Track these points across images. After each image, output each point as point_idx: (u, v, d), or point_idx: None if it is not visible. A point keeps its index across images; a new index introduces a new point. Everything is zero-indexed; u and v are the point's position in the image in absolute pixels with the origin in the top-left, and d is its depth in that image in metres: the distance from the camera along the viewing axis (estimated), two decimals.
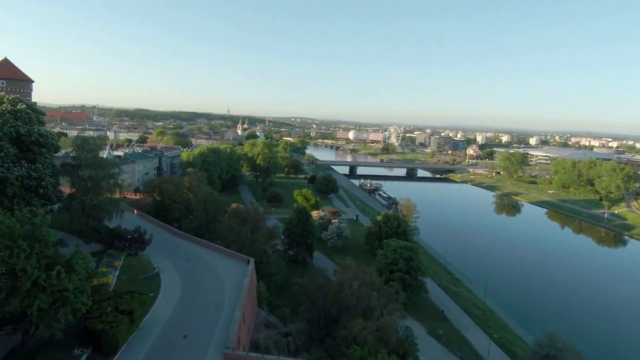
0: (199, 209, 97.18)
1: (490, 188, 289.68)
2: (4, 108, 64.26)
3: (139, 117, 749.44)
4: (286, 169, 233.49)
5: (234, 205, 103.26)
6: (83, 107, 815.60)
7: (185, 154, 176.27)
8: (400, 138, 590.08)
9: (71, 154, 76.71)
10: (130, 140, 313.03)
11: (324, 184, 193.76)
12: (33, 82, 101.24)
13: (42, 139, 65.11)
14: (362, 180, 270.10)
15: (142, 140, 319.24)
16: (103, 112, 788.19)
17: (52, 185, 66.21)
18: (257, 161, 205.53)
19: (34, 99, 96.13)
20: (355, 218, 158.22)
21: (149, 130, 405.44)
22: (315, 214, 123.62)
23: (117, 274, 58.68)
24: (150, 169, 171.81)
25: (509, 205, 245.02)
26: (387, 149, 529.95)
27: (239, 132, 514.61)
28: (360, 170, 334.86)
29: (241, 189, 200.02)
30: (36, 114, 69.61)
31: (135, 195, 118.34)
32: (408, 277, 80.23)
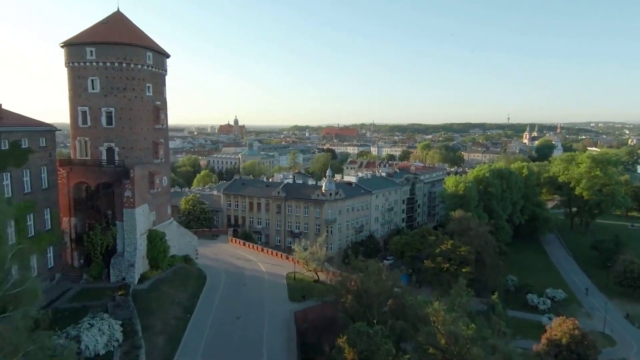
0: None
1: None
2: None
3: (411, 132, 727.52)
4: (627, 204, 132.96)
5: None
6: (362, 126, 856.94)
7: (451, 181, 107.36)
8: None
9: None
10: (391, 157, 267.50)
11: None
12: (169, 56, 46.71)
13: None
14: None
15: (404, 155, 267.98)
16: (378, 128, 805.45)
17: None
18: (578, 190, 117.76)
19: None
20: None
21: (415, 145, 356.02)
22: None
23: None
24: (395, 203, 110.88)
25: None
26: None
27: (525, 141, 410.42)
28: None
29: (547, 240, 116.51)
30: None
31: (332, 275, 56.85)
32: None
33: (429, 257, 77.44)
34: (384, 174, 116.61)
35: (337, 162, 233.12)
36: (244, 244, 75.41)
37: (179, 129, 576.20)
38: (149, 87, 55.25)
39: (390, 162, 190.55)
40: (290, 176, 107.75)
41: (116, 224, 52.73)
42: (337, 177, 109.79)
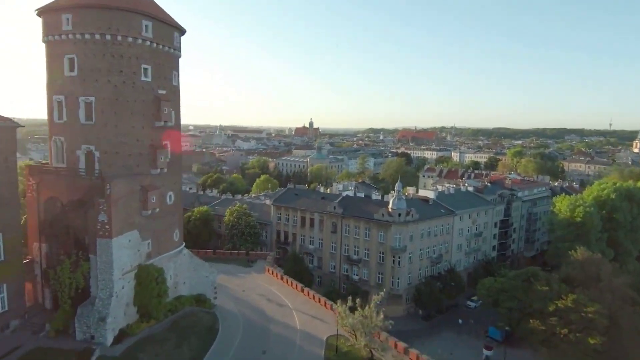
0: None
1: None
2: None
3: (496, 136, 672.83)
4: None
5: None
6: (442, 129, 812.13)
7: (564, 203, 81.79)
8: None
9: None
10: (476, 164, 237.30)
11: None
12: (183, 31, 29.78)
13: None
14: None
15: (492, 163, 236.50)
16: (460, 132, 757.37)
17: None
18: None
19: None
20: None
21: (503, 151, 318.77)
22: None
23: None
24: (484, 226, 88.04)
25: None
26: None
27: (636, 150, 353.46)
28: None
29: None
30: None
31: None
32: None
33: (537, 313, 54.92)
34: (470, 188, 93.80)
35: (413, 169, 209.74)
36: (282, 278, 58.29)
37: (259, 131, 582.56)
38: (145, 69, 40.18)
39: (474, 170, 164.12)
40: (351, 187, 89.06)
41: (90, 257, 38.22)
42: (411, 190, 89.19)
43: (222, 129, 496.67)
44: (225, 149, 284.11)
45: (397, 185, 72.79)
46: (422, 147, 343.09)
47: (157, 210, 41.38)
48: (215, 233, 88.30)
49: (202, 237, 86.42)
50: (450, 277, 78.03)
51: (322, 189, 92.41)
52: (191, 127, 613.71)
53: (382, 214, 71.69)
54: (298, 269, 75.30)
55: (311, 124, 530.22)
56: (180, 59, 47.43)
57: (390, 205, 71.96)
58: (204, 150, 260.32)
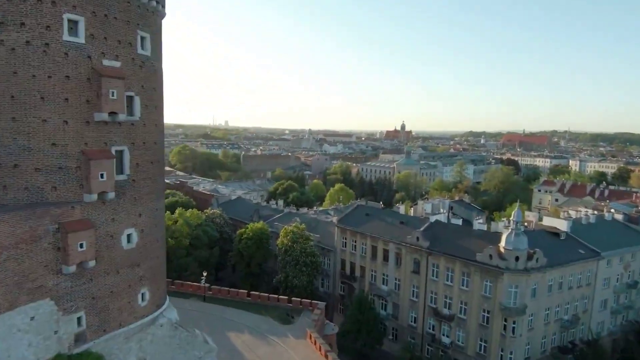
0: None
1: None
2: None
3: (619, 142, 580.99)
4: None
5: None
6: (554, 133, 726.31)
7: None
8: None
9: None
10: (602, 175, 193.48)
11: None
12: None
13: None
14: None
15: (622, 175, 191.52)
16: (575, 136, 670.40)
17: None
18: None
19: None
20: None
21: (635, 160, 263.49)
22: None
23: None
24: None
25: None
26: None
27: None
28: None
29: None
30: None
31: None
32: None
33: None
34: (618, 216, 65.45)
35: (522, 181, 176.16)
36: (327, 357, 37.58)
37: (349, 134, 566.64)
38: (72, 23, 23.19)
39: (608, 186, 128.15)
40: (444, 209, 65.76)
41: None
42: (531, 216, 63.53)
43: (313, 133, 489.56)
44: (311, 153, 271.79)
45: (514, 214, 48.66)
46: (532, 153, 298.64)
47: (92, 263, 24.26)
48: (271, 255, 71.39)
49: (256, 259, 70.37)
50: (589, 350, 52.22)
51: (402, 209, 70.40)
52: (287, 132, 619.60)
53: (490, 255, 48.40)
54: (365, 317, 55.32)
55: (403, 126, 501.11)
56: (164, 19, 30.29)
57: (502, 243, 48.35)
58: (289, 154, 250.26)
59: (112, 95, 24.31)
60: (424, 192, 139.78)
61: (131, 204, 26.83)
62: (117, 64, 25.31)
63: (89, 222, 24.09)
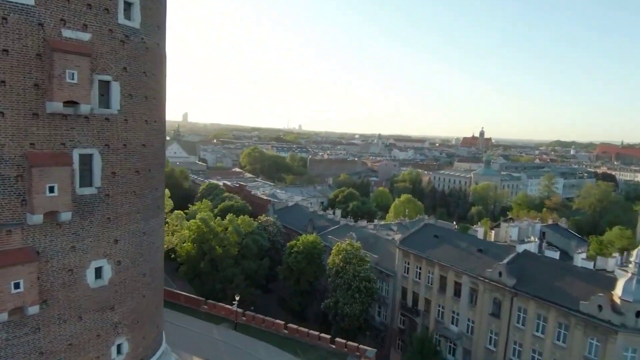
0: None
1: None
2: None
3: None
4: None
5: None
6: None
7: None
8: None
9: None
10: None
11: None
12: None
13: None
14: None
15: None
16: None
17: None
18: None
19: None
20: None
21: None
22: None
23: None
24: None
25: None
26: None
27: None
28: None
29: None
30: None
31: None
32: None
33: None
34: None
35: (621, 198, 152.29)
36: None
37: (422, 140, 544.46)
38: None
39: None
40: (534, 236, 53.01)
41: None
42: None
43: (382, 137, 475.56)
44: (378, 158, 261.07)
45: (637, 253, 36.02)
46: (633, 167, 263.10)
47: (36, 309, 17.52)
48: (324, 272, 63.35)
49: (306, 275, 62.95)
50: None
51: (480, 232, 58.62)
52: (357, 136, 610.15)
53: (599, 306, 36.14)
54: None
55: (482, 133, 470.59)
56: None
57: (618, 291, 35.90)
58: (356, 159, 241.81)
59: (71, 78, 17.42)
60: (505, 208, 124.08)
61: (102, 227, 19.84)
62: (85, 36, 18.44)
63: (30, 253, 17.34)
